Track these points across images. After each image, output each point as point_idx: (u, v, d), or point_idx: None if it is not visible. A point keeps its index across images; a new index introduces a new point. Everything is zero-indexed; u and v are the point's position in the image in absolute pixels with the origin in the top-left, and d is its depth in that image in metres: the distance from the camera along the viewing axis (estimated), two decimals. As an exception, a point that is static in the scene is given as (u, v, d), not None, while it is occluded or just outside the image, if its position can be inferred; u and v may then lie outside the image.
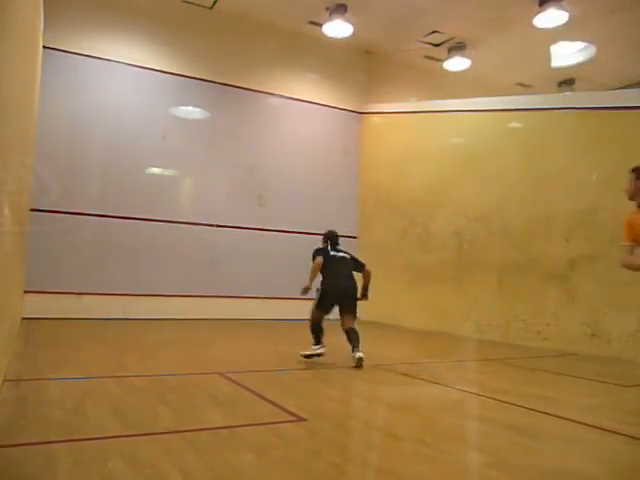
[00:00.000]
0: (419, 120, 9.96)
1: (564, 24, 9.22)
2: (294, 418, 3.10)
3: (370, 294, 5.43)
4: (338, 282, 5.26)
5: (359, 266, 5.54)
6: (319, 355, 5.07)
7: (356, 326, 5.12)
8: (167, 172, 9.39)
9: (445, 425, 3.17)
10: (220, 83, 9.75)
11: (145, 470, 2.21)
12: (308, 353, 5.07)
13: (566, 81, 12.24)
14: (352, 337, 5.01)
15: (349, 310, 5.21)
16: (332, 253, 5.45)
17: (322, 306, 5.16)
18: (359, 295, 5.32)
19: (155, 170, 9.28)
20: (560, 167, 7.29)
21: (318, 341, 5.12)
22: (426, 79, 11.66)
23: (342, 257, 5.46)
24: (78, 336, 6.49)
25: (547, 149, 7.54)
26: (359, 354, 4.86)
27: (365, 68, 11.33)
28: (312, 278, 5.19)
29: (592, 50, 10.77)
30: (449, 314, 8.64)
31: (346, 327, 5.09)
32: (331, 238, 5.59)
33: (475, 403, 3.77)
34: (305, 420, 3.06)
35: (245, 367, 4.65)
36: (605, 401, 4.04)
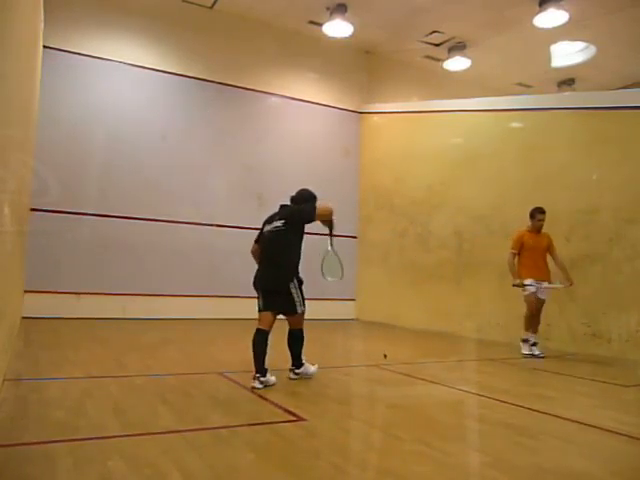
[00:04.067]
0: (419, 120, 9.96)
1: (564, 24, 9.22)
2: (294, 418, 3.10)
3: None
4: (261, 272, 4.22)
5: (303, 219, 4.18)
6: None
7: (300, 327, 4.16)
8: (167, 172, 9.39)
9: (445, 425, 3.17)
10: (220, 83, 9.75)
11: (145, 470, 2.21)
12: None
13: (566, 81, 12.24)
14: (291, 345, 4.18)
15: (283, 306, 4.11)
16: (265, 229, 4.27)
17: (259, 304, 4.15)
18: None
19: (155, 170, 9.28)
20: (560, 167, 7.29)
21: (257, 368, 3.87)
22: (426, 79, 11.66)
23: (272, 231, 4.18)
24: (78, 336, 6.49)
25: (547, 149, 7.54)
26: (291, 375, 4.16)
27: (365, 68, 11.33)
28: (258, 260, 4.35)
29: (592, 50, 10.77)
30: (449, 314, 8.63)
31: (289, 328, 4.20)
32: (293, 199, 4.40)
33: (475, 403, 3.76)
34: (305, 420, 3.06)
35: (245, 367, 4.64)
36: (605, 401, 4.04)
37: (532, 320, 6.28)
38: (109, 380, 3.95)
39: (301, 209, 4.20)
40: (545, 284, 6.25)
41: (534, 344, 6.27)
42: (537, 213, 6.33)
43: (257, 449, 2.55)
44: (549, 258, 6.37)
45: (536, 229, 6.35)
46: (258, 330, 4.05)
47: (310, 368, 4.20)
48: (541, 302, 6.30)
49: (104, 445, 2.51)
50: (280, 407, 3.35)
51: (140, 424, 2.89)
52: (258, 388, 3.80)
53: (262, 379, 3.85)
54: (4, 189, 3.04)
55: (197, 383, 3.96)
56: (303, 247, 4.22)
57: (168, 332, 7.29)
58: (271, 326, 4.09)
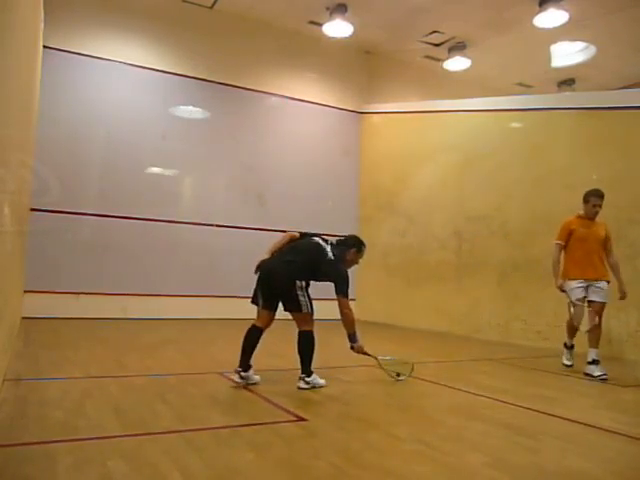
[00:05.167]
0: (419, 120, 9.96)
1: (564, 24, 9.22)
2: (294, 418, 3.10)
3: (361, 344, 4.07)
4: (271, 259, 4.00)
5: (331, 279, 3.97)
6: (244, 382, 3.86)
7: (309, 329, 3.92)
8: (167, 172, 9.39)
9: (445, 425, 3.17)
10: (220, 83, 9.75)
11: (145, 470, 2.22)
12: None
13: (566, 81, 12.25)
14: (299, 349, 3.93)
15: (286, 303, 3.96)
16: (315, 238, 4.18)
17: (255, 297, 4.09)
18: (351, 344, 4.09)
19: (155, 170, 9.28)
20: (560, 167, 7.29)
21: (241, 362, 3.87)
22: (426, 79, 11.66)
23: (316, 243, 4.10)
24: (78, 336, 6.49)
25: (547, 149, 7.54)
26: (301, 384, 3.88)
27: (365, 68, 11.33)
28: (270, 250, 4.10)
29: (592, 50, 10.77)
30: (449, 314, 8.64)
31: (297, 330, 3.96)
32: (342, 239, 4.28)
33: (475, 403, 3.77)
34: (305, 420, 3.06)
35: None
36: (605, 401, 4.04)
37: (572, 329, 5.20)
38: (109, 380, 3.95)
39: (341, 283, 3.96)
40: (603, 284, 4.92)
41: (570, 348, 5.33)
42: (592, 197, 5.00)
43: (257, 449, 2.55)
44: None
45: (589, 216, 5.05)
46: (253, 325, 4.02)
47: (320, 380, 3.96)
48: (597, 306, 4.92)
49: (104, 445, 2.51)
50: (280, 407, 3.35)
51: (140, 424, 2.89)
52: (238, 383, 3.82)
53: (243, 374, 3.84)
54: (4, 189, 3.04)
55: (197, 383, 3.96)
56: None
57: (168, 332, 7.28)
58: (267, 325, 4.03)
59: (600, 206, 5.01)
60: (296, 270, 3.91)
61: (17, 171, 3.95)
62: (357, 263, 4.30)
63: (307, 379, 3.90)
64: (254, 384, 3.91)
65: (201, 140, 9.60)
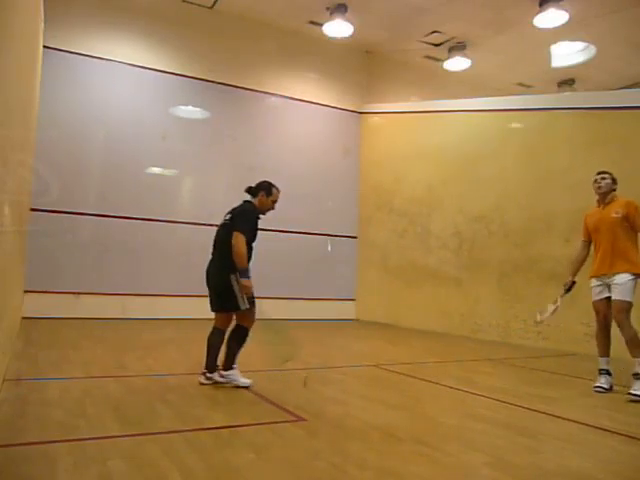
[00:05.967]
0: (419, 120, 9.96)
1: (564, 24, 9.23)
2: (294, 418, 3.11)
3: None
4: (208, 264, 4.11)
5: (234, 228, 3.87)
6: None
7: (247, 325, 3.85)
8: (167, 172, 9.39)
9: (445, 425, 3.17)
10: (220, 83, 9.75)
11: (145, 470, 2.22)
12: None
13: (566, 81, 12.25)
14: (228, 341, 3.87)
15: (225, 303, 3.91)
16: (223, 224, 4.11)
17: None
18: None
19: (155, 170, 9.28)
20: (560, 167, 7.29)
21: (206, 364, 3.92)
22: (426, 79, 11.67)
23: (222, 225, 4.07)
24: (78, 336, 6.49)
25: (547, 149, 7.54)
26: (215, 375, 3.85)
27: (365, 68, 11.34)
28: None
29: (592, 50, 10.77)
30: (449, 314, 8.64)
31: (236, 322, 3.91)
32: (251, 187, 4.17)
33: (475, 403, 3.77)
34: (305, 420, 3.06)
35: (244, 367, 4.64)
36: (605, 401, 4.04)
37: (599, 336, 4.45)
38: (109, 380, 3.95)
39: (238, 222, 3.89)
40: (619, 278, 4.16)
41: (605, 372, 4.37)
42: (594, 177, 4.41)
43: (257, 449, 2.55)
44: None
45: (600, 199, 4.39)
46: (213, 328, 4.08)
47: (241, 378, 3.81)
48: (616, 305, 4.22)
49: (104, 445, 2.52)
50: (280, 407, 3.35)
51: (140, 424, 2.89)
52: (203, 384, 3.86)
53: (208, 375, 3.89)
54: (4, 189, 3.04)
55: (197, 383, 3.96)
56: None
57: (168, 332, 7.28)
58: (226, 325, 4.03)
59: (603, 179, 4.34)
60: (224, 265, 3.85)
61: (17, 171, 3.95)
62: (272, 207, 4.19)
63: (224, 372, 3.83)
64: (225, 383, 3.91)
65: (201, 140, 9.60)
